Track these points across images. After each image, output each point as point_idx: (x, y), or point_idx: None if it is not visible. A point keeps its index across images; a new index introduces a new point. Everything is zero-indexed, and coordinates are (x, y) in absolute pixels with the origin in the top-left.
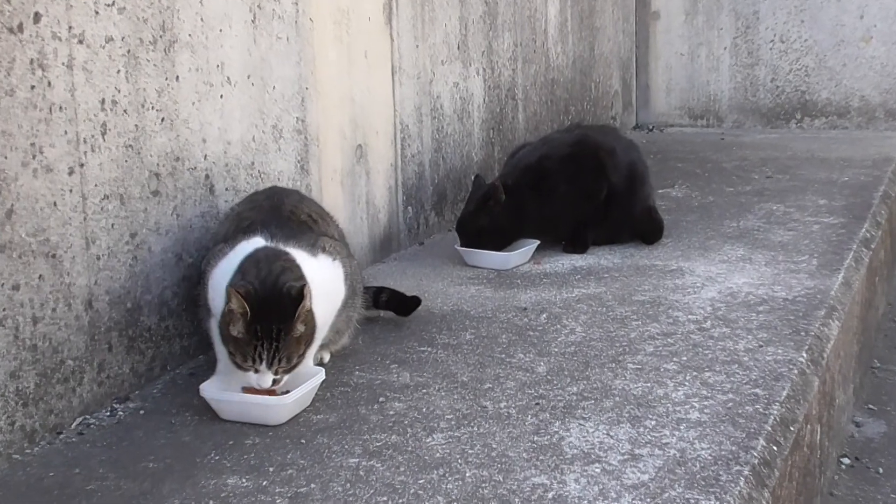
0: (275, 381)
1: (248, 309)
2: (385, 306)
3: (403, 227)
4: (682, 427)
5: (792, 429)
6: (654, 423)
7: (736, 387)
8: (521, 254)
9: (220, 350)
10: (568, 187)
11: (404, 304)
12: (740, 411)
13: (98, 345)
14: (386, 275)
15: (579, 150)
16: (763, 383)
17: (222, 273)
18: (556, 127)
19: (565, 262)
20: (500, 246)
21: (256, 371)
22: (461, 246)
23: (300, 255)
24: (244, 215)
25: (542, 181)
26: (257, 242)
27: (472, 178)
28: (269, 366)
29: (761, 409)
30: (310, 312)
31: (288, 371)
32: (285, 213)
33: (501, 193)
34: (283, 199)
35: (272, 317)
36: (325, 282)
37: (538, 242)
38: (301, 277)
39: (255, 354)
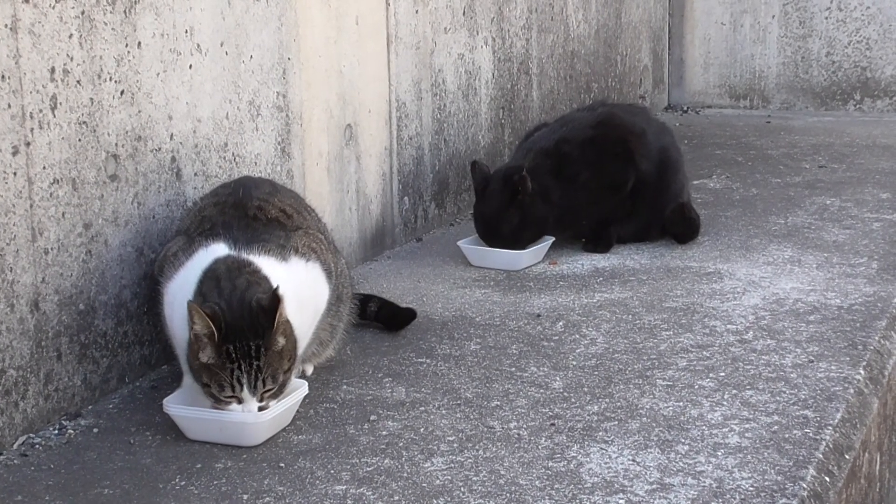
0: (261, 409)
1: (214, 329)
2: (374, 318)
3: (399, 221)
4: (719, 453)
5: (847, 457)
6: (686, 448)
7: (782, 408)
8: (533, 252)
9: (185, 361)
10: (590, 175)
11: (396, 317)
12: (787, 436)
13: (45, 352)
14: (378, 275)
15: (603, 132)
16: (814, 404)
17: (179, 287)
18: (576, 107)
19: (585, 262)
20: (529, 241)
21: (239, 401)
22: (485, 245)
23: (267, 263)
24: (206, 214)
25: (560, 168)
26: (217, 251)
27: (470, 166)
28: (253, 390)
29: (811, 434)
30: (287, 323)
31: (275, 394)
32: (251, 212)
33: (529, 183)
34: (251, 193)
35: (246, 334)
36: (299, 289)
37: (552, 239)
38: (266, 294)
39: (232, 380)
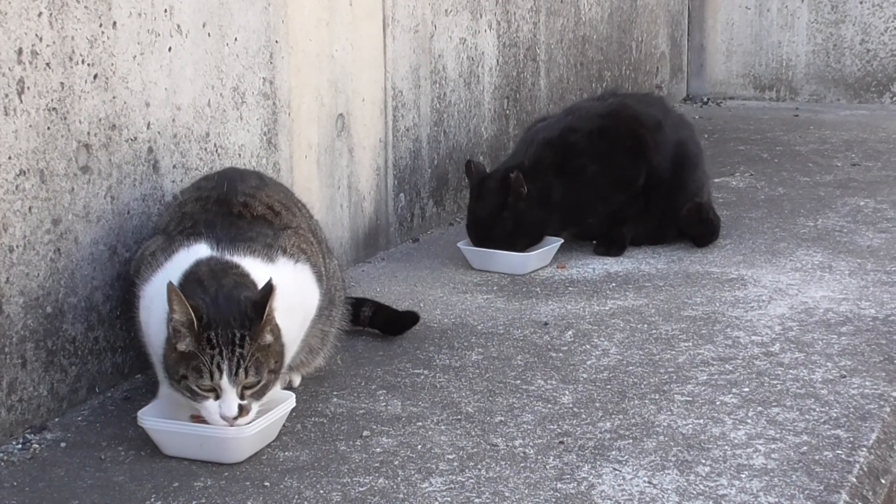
0: (241, 409)
1: (193, 318)
2: (368, 324)
3: (394, 219)
4: (743, 475)
5: (883, 481)
6: (707, 469)
7: (812, 427)
8: (540, 255)
9: (162, 369)
10: (597, 169)
11: (395, 322)
12: (817, 457)
13: (8, 359)
14: (371, 279)
15: (613, 122)
16: (846, 423)
17: (157, 291)
18: (587, 97)
19: (597, 266)
20: (525, 247)
21: (217, 395)
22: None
23: (253, 265)
24: (187, 210)
25: (564, 160)
26: (199, 251)
27: (465, 165)
28: (233, 378)
29: (844, 456)
30: (276, 324)
31: (257, 393)
32: (236, 209)
33: (523, 186)
34: (236, 187)
35: (231, 323)
36: (287, 292)
37: (561, 241)
38: (253, 294)
39: (211, 366)
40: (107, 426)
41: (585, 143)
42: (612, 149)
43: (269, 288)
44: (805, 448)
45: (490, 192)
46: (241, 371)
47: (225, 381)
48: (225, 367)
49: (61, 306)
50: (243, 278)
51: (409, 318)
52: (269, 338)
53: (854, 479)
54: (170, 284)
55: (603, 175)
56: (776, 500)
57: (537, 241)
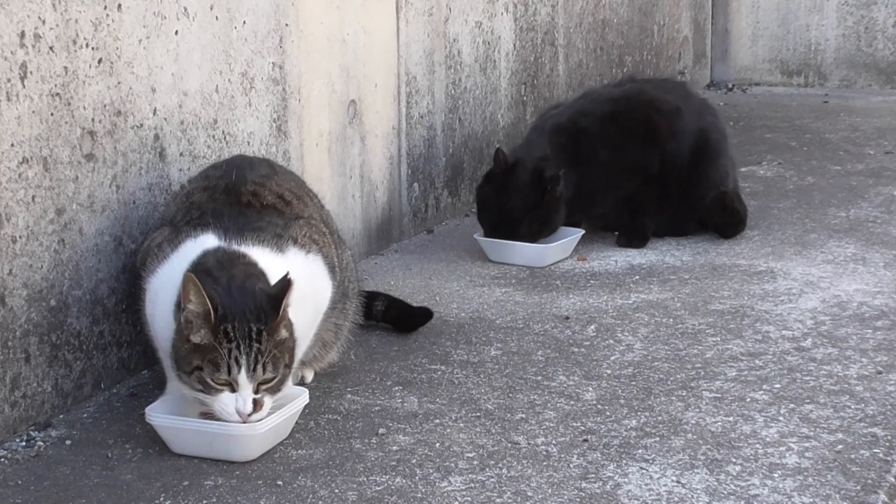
0: (256, 403)
1: (210, 308)
2: (381, 318)
3: (408, 210)
4: (775, 475)
5: None
6: (738, 468)
7: (847, 424)
8: (560, 246)
9: (171, 361)
10: (610, 156)
11: (408, 318)
12: (853, 456)
13: (11, 353)
14: (384, 271)
15: (626, 106)
16: (883, 421)
17: (163, 283)
18: (606, 82)
19: (619, 258)
20: (538, 236)
21: (233, 388)
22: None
23: (263, 255)
24: (194, 200)
25: (575, 146)
26: (206, 242)
27: (494, 154)
28: (251, 374)
29: (881, 455)
30: (290, 320)
31: (273, 389)
32: (245, 199)
33: (562, 186)
34: (245, 175)
35: (247, 316)
36: (299, 284)
37: (582, 232)
38: (268, 286)
39: (230, 359)
40: (113, 423)
41: (598, 128)
42: (625, 134)
43: (286, 282)
44: (840, 447)
45: (521, 186)
46: (259, 367)
47: (243, 377)
48: (243, 361)
49: (66, 299)
50: (253, 268)
51: (423, 315)
52: (284, 333)
53: (893, 479)
54: (187, 273)
55: (615, 162)
56: (811, 500)
57: (548, 233)
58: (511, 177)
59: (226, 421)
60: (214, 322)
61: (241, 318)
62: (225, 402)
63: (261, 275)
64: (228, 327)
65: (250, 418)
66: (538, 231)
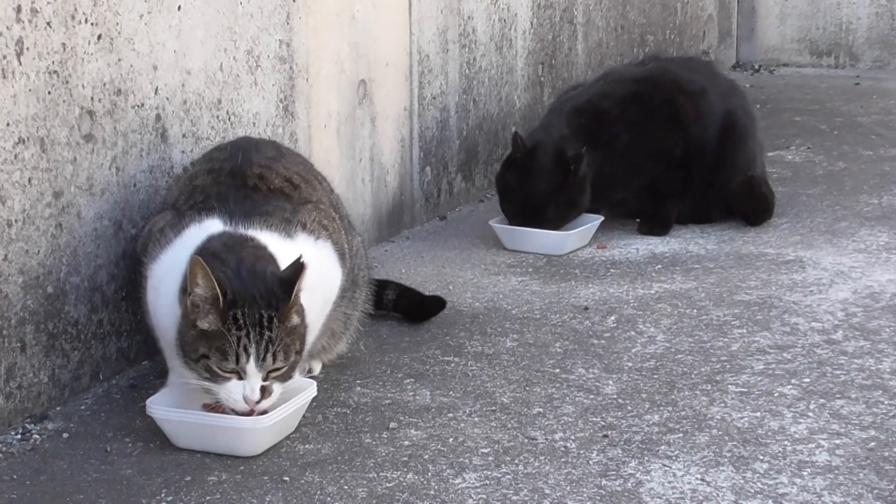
0: (264, 392)
1: (219, 293)
2: (392, 308)
3: (420, 195)
4: (804, 473)
5: None
6: (766, 466)
7: (880, 421)
8: (579, 234)
9: (173, 355)
10: (631, 139)
11: (420, 307)
12: (886, 454)
13: (6, 342)
14: (395, 259)
15: (648, 87)
16: None
17: (166, 269)
18: (627, 62)
19: (640, 245)
20: (565, 220)
21: (240, 376)
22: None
23: (271, 240)
24: (198, 183)
25: (595, 128)
26: (211, 227)
27: (512, 137)
28: (260, 363)
29: None
30: (301, 306)
31: (282, 377)
32: (251, 182)
33: (586, 164)
34: (251, 158)
35: (258, 302)
36: (308, 271)
37: (601, 219)
38: (277, 270)
39: (238, 347)
40: (112, 416)
41: (619, 109)
42: (646, 117)
43: (299, 266)
44: (873, 444)
45: (543, 169)
46: (269, 356)
47: (251, 366)
48: (252, 350)
49: (63, 286)
50: (263, 251)
51: (436, 304)
52: (296, 319)
53: None
54: (194, 255)
55: (636, 145)
56: (842, 499)
57: (581, 214)
58: (532, 160)
59: (231, 409)
60: (223, 307)
61: (252, 304)
62: (231, 389)
63: (270, 258)
64: (238, 313)
65: (258, 406)
66: (566, 213)
